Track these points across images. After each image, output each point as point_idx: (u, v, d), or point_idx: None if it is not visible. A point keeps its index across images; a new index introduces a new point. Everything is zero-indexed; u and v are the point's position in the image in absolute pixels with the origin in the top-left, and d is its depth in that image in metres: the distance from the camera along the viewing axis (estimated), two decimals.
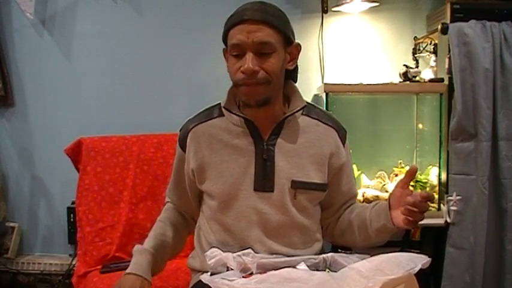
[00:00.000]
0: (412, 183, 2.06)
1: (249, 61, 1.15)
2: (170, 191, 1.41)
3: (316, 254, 1.27)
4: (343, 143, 1.32)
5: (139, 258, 1.21)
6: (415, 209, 1.10)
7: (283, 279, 1.00)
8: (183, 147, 1.29)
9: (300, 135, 1.27)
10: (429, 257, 1.05)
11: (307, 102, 1.30)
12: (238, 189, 1.22)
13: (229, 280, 1.01)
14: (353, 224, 1.31)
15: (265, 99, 1.20)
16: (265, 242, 1.21)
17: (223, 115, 1.27)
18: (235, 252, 1.18)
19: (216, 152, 1.24)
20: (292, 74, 1.29)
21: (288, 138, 1.25)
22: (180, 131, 1.32)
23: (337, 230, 1.36)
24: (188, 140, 1.27)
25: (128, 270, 1.17)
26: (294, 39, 1.24)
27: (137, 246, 1.25)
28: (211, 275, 1.05)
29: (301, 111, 1.28)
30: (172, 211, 1.39)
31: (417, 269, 0.99)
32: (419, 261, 1.01)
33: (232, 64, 1.19)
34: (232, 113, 1.25)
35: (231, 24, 1.18)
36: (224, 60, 1.27)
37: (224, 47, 1.25)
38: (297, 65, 1.29)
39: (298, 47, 1.26)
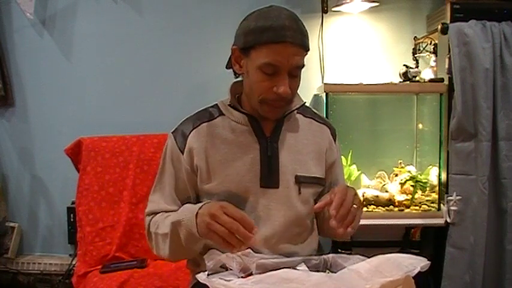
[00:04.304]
0: (412, 183, 2.06)
1: (287, 85, 1.15)
2: (164, 197, 1.26)
3: (314, 249, 1.28)
4: (334, 140, 1.36)
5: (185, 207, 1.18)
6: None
7: (280, 280, 1.00)
8: (182, 148, 1.25)
9: (299, 131, 1.30)
10: (429, 256, 1.05)
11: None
12: (245, 187, 1.21)
13: (226, 280, 1.01)
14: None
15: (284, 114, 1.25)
16: (270, 239, 1.21)
17: (224, 114, 1.28)
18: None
19: (220, 151, 1.23)
20: None
21: (289, 135, 1.28)
22: (174, 132, 1.28)
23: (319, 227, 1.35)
24: (189, 140, 1.25)
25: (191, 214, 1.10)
26: None
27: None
28: (208, 275, 1.05)
29: (296, 110, 1.30)
30: None
31: (416, 271, 0.98)
32: (418, 263, 1.01)
33: (262, 81, 1.16)
34: (238, 110, 1.26)
35: (267, 39, 1.12)
36: (225, 59, 1.26)
37: (235, 46, 1.20)
38: None
39: None
